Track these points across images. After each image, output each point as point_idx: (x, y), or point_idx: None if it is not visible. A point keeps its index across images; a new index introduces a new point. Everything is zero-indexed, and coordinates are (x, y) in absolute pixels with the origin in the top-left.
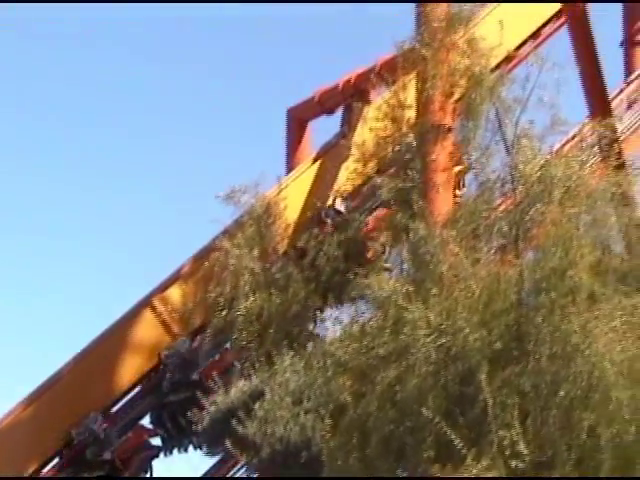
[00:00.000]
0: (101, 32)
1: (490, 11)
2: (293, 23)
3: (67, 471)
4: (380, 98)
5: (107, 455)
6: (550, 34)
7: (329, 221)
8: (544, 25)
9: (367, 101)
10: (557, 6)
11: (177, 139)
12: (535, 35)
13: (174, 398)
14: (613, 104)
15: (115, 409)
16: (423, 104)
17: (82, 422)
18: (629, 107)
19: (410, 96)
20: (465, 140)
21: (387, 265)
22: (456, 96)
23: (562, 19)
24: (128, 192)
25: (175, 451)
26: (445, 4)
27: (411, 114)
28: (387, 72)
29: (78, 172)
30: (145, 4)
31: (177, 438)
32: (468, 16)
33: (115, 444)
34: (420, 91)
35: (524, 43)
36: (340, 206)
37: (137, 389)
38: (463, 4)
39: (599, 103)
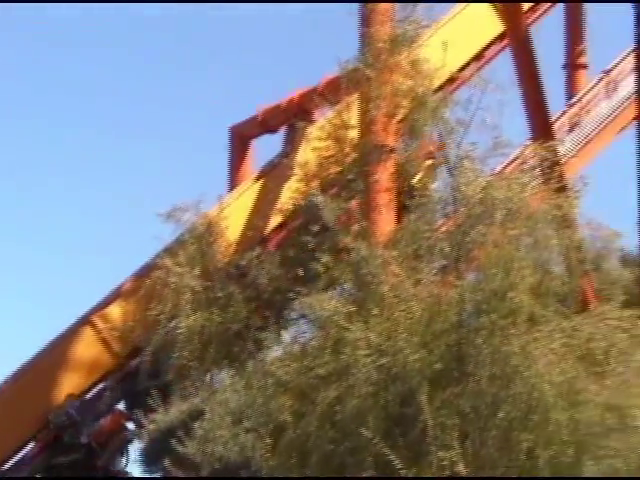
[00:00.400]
0: None
1: (434, 32)
2: (238, 42)
3: (44, 454)
4: (323, 118)
5: (84, 438)
6: (493, 56)
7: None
8: (487, 47)
9: (310, 121)
10: (500, 28)
11: (119, 155)
12: (478, 57)
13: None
14: (555, 126)
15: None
16: (366, 124)
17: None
18: (571, 130)
19: (353, 116)
20: (408, 160)
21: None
22: (399, 117)
23: (505, 41)
24: (71, 206)
25: None
26: (389, 25)
27: (354, 134)
28: (330, 92)
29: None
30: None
31: None
32: (412, 37)
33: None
34: (363, 111)
35: (467, 65)
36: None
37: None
38: (407, 25)
39: (541, 125)
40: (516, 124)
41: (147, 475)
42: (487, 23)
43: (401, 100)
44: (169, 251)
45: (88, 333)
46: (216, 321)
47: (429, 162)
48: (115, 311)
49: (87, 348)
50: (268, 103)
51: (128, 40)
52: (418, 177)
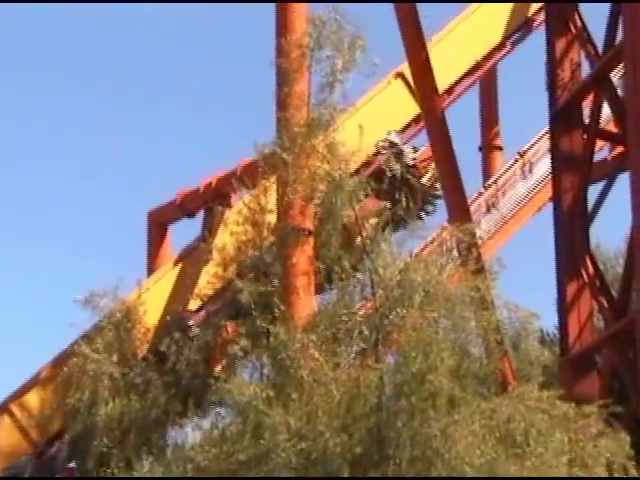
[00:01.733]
0: None
1: (350, 116)
2: (154, 126)
3: None
4: (241, 202)
5: None
6: (410, 138)
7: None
8: (403, 129)
9: (228, 205)
10: (416, 110)
11: (36, 239)
12: None
13: None
14: (472, 208)
15: None
16: (284, 208)
17: None
18: (488, 211)
19: (271, 200)
20: (326, 244)
21: (247, 369)
22: (316, 200)
23: (421, 123)
24: None
25: None
26: (305, 109)
27: (272, 218)
28: (248, 176)
29: None
30: None
31: None
32: (328, 121)
33: None
34: (281, 195)
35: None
36: (190, 320)
37: None
38: (323, 109)
39: (458, 207)
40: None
41: None
42: (404, 105)
43: (318, 184)
44: (86, 338)
45: (6, 421)
46: (135, 408)
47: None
48: (33, 399)
49: (5, 436)
50: (186, 187)
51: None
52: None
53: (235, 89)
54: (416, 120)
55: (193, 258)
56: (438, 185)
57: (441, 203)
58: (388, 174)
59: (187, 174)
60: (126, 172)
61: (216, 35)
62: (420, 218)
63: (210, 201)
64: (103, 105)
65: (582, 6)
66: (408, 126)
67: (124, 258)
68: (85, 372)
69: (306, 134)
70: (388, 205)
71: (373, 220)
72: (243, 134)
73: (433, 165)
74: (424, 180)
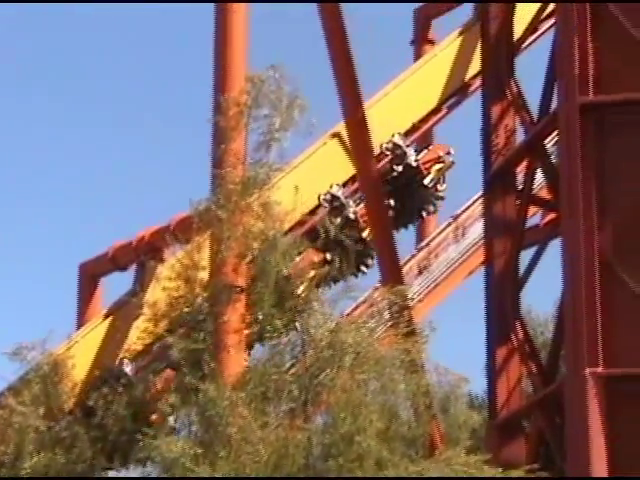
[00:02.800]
0: None
1: (285, 175)
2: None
3: None
4: (174, 257)
5: None
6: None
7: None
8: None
9: (161, 259)
10: (352, 171)
11: None
12: None
13: None
14: (404, 270)
15: None
16: (217, 265)
17: None
18: (420, 273)
19: (204, 257)
20: (258, 302)
21: (175, 425)
22: (250, 258)
23: (356, 184)
24: None
25: None
26: (241, 167)
27: (204, 275)
28: (182, 231)
29: None
30: None
31: None
32: (263, 180)
33: None
34: (214, 252)
35: (318, 207)
36: (127, 367)
37: None
38: (258, 168)
39: (390, 269)
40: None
41: None
42: (339, 165)
43: (252, 242)
44: (13, 390)
45: None
46: (60, 462)
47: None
48: None
49: None
50: (119, 240)
51: None
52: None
53: (172, 144)
54: (352, 179)
55: (124, 312)
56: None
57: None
58: (325, 231)
59: (121, 227)
60: (58, 223)
61: (153, 90)
62: (360, 271)
63: (143, 255)
64: (40, 154)
65: (518, 73)
66: (344, 186)
67: (54, 310)
68: (10, 425)
69: (241, 192)
70: (329, 257)
71: (312, 273)
72: (178, 189)
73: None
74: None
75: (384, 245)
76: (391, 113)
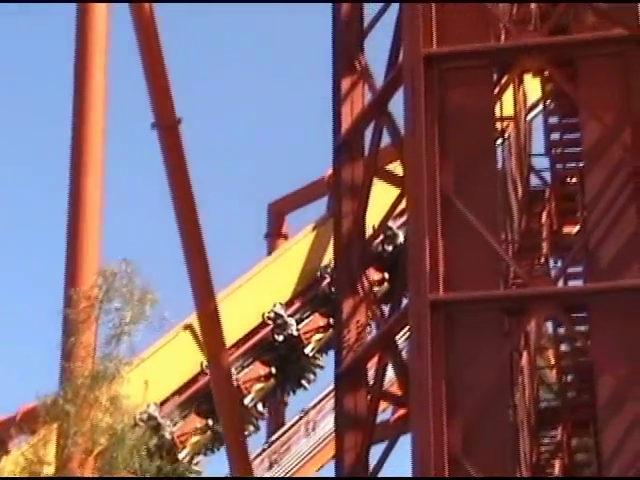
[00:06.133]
0: None
1: (135, 368)
2: None
3: None
4: (18, 449)
5: None
6: (192, 394)
7: None
8: (188, 385)
9: (5, 451)
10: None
11: None
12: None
13: None
14: (254, 464)
15: None
16: (63, 461)
17: None
18: (270, 467)
19: (50, 451)
20: None
21: None
22: (97, 452)
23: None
24: None
25: None
26: (90, 360)
27: (50, 470)
28: (28, 422)
29: None
30: None
31: None
32: (113, 373)
33: None
34: (61, 447)
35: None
36: None
37: None
38: (108, 362)
39: (240, 462)
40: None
41: None
42: (191, 358)
43: (99, 436)
44: None
45: None
46: None
47: None
48: None
49: None
50: None
51: None
52: None
53: (21, 335)
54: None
55: None
56: None
57: None
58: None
59: None
60: None
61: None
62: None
63: None
64: None
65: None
66: (195, 380)
67: None
68: None
69: (90, 386)
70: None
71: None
72: (26, 378)
73: None
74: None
75: (234, 437)
76: (243, 306)
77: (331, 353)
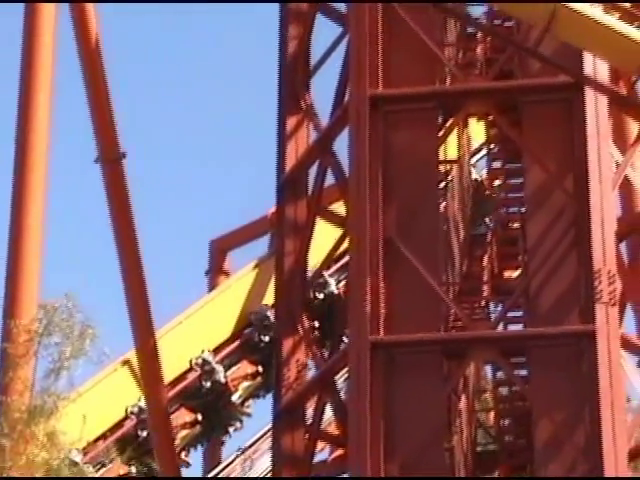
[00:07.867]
0: None
1: (72, 403)
2: None
3: None
4: None
5: None
6: (127, 430)
7: None
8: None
9: None
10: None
11: None
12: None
13: None
14: None
15: None
16: None
17: None
18: None
19: None
20: None
21: None
22: None
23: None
24: None
25: None
26: (28, 395)
27: None
28: None
29: None
30: None
31: None
32: (50, 409)
33: None
34: None
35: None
36: None
37: None
38: (46, 397)
39: None
40: None
41: None
42: (128, 393)
43: (35, 472)
44: None
45: None
46: None
47: None
48: None
49: None
50: None
51: None
52: None
53: None
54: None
55: None
56: None
57: None
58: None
59: None
60: None
61: None
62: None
63: None
64: None
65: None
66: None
67: None
68: None
69: (27, 421)
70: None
71: None
72: None
73: None
74: None
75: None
76: (183, 342)
77: (259, 401)
